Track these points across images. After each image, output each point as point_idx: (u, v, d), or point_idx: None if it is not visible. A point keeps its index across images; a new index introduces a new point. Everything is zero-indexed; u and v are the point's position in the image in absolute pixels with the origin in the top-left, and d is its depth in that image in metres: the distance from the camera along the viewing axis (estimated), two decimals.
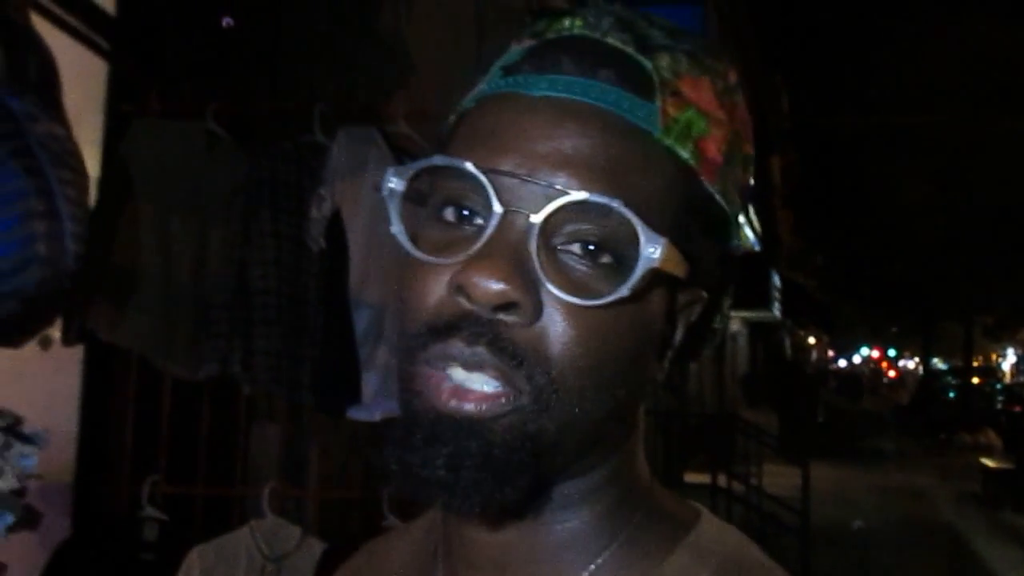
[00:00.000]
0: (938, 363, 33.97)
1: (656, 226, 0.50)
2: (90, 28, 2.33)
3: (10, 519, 0.86)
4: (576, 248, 0.50)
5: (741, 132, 0.57)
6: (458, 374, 0.50)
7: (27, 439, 0.90)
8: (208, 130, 2.40)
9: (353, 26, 2.92)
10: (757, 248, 10.66)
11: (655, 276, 0.51)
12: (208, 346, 2.23)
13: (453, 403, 0.49)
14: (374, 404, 2.28)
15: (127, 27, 2.50)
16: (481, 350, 0.49)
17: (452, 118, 0.58)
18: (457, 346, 0.49)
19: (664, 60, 0.54)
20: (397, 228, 0.52)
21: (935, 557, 7.67)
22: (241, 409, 2.62)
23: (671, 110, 0.53)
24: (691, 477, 9.54)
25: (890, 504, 10.54)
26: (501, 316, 0.49)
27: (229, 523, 2.33)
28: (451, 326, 0.50)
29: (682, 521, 0.59)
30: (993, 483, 11.03)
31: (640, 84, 0.52)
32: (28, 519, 0.90)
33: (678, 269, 0.52)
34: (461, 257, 0.49)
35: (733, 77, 0.57)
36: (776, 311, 16.80)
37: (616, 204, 0.48)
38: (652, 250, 0.49)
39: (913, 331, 32.19)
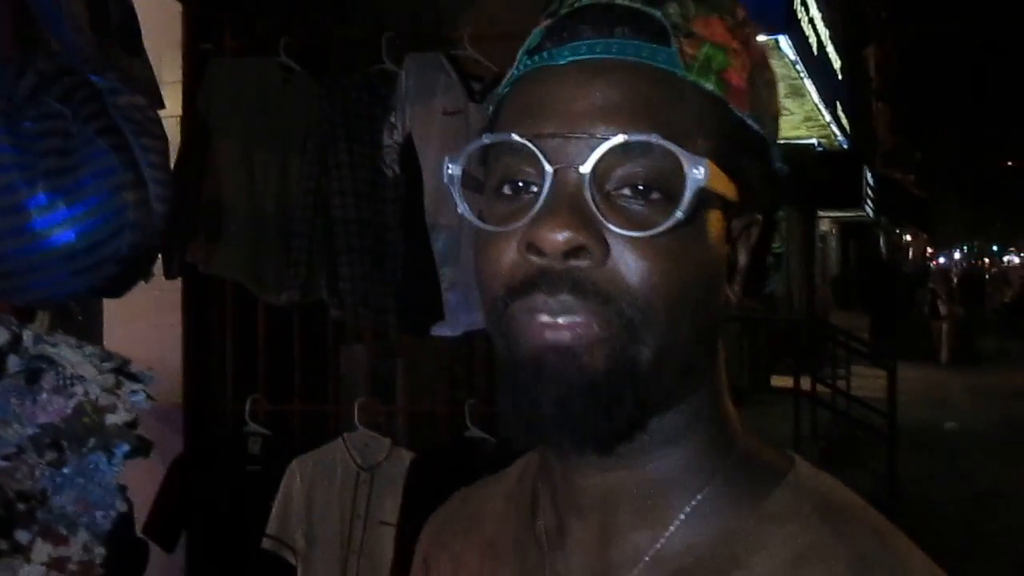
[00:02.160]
0: None
1: (697, 152, 0.53)
2: None
3: (126, 448, 0.99)
4: (627, 191, 0.53)
5: (759, 59, 0.61)
6: (549, 319, 0.53)
7: (135, 378, 1.02)
8: (282, 64, 2.47)
9: None
10: (846, 147, 10.24)
11: (707, 198, 0.54)
12: (289, 273, 2.36)
13: (550, 335, 0.52)
14: (456, 321, 2.38)
15: None
16: (565, 297, 0.52)
17: (490, 107, 0.62)
18: (540, 299, 0.52)
19: (672, 8, 0.57)
20: (463, 207, 0.57)
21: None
22: (330, 331, 2.77)
23: (689, 49, 0.56)
24: (778, 381, 9.53)
25: (987, 406, 10.29)
26: (573, 263, 0.52)
27: (324, 436, 2.48)
28: (529, 283, 0.53)
29: (778, 464, 0.61)
30: None
31: (655, 33, 0.56)
32: (142, 447, 1.02)
33: (727, 189, 0.55)
34: (524, 221, 0.53)
35: (741, 12, 0.61)
36: (869, 210, 16.24)
37: (655, 139, 0.52)
38: (697, 171, 0.52)
39: (1018, 226, 30.66)
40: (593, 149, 0.52)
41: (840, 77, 9.33)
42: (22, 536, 0.91)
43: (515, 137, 0.54)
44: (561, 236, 0.51)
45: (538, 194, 0.53)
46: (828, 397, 7.07)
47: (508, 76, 0.60)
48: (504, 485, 0.73)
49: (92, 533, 0.94)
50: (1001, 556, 5.10)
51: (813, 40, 7.22)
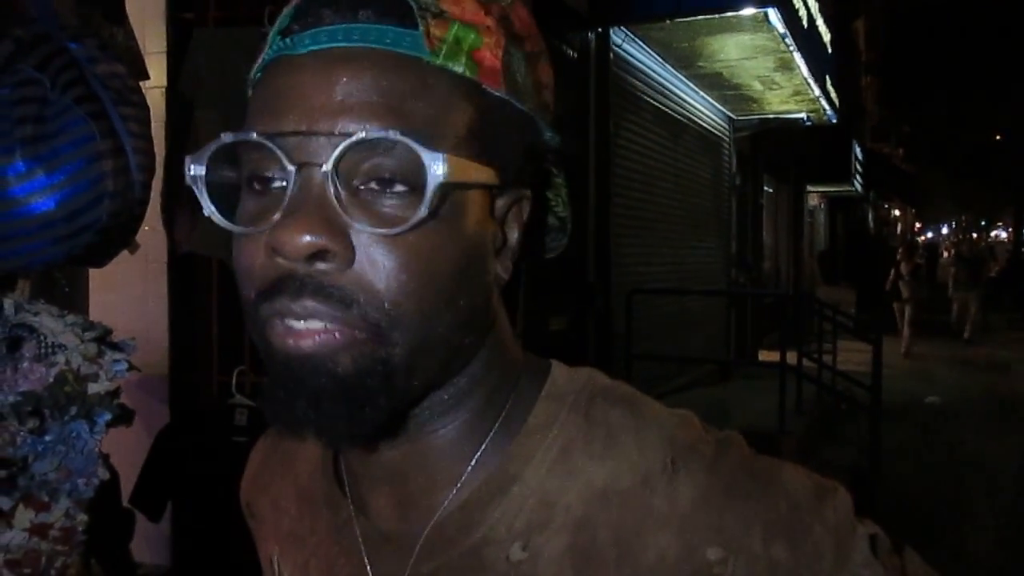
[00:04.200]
0: None
1: (444, 144, 0.52)
2: None
3: (107, 417, 0.99)
4: (374, 184, 0.52)
5: (519, 32, 0.59)
6: (293, 324, 0.52)
7: (117, 347, 1.02)
8: (265, 34, 2.45)
9: None
10: (835, 121, 10.24)
11: (453, 189, 0.53)
12: None
13: (291, 342, 0.52)
14: None
15: None
16: (308, 302, 0.51)
17: (249, 91, 0.60)
18: (284, 303, 0.52)
19: None
20: (208, 209, 0.55)
21: (1011, 431, 7.62)
22: None
23: (436, 31, 0.54)
24: (765, 356, 9.60)
25: (970, 379, 10.41)
26: (317, 266, 0.51)
27: None
28: (275, 287, 0.52)
29: (539, 381, 0.63)
30: None
31: (400, 15, 0.54)
32: (124, 416, 1.03)
33: (480, 175, 0.55)
34: (271, 222, 0.52)
35: None
36: (857, 185, 16.28)
37: (392, 134, 0.50)
38: (436, 167, 0.51)
39: (1005, 200, 30.81)
40: (335, 147, 0.51)
41: (830, 51, 9.30)
42: (3, 502, 0.92)
43: (253, 136, 0.52)
44: (302, 240, 0.50)
45: (284, 191, 0.52)
46: (814, 371, 7.12)
47: (259, 60, 0.58)
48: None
49: (74, 500, 0.95)
50: (982, 528, 5.19)
51: (803, 13, 7.19)
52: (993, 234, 40.97)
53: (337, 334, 0.52)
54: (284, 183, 0.52)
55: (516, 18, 0.59)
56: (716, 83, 8.17)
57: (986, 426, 7.88)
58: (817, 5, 8.19)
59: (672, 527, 0.56)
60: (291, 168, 0.51)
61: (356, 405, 0.53)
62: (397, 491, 0.62)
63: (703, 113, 8.79)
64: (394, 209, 0.52)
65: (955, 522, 5.22)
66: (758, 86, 8.30)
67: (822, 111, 9.49)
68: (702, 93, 8.51)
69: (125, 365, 1.02)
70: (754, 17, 6.00)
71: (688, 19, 6.08)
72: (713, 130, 9.22)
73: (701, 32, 6.43)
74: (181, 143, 2.33)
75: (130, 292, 2.30)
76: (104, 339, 1.02)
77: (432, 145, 0.51)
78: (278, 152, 0.51)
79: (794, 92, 8.56)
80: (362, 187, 0.52)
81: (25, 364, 0.95)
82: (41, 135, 0.96)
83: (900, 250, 13.80)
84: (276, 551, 0.71)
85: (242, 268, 0.55)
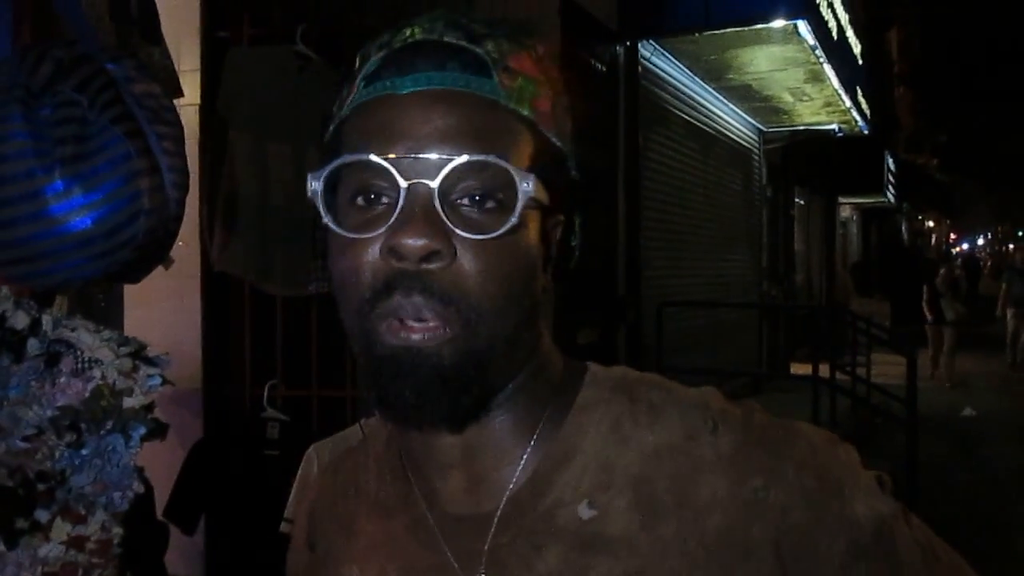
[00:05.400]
0: None
1: (521, 167, 0.64)
2: None
3: (142, 430, 1.01)
4: (467, 200, 0.63)
5: (559, 88, 0.71)
6: (405, 321, 0.62)
7: (152, 362, 1.04)
8: (298, 52, 2.48)
9: None
10: (867, 132, 10.14)
11: (531, 205, 0.65)
12: (319, 265, 2.37)
13: (403, 335, 0.62)
14: None
15: None
16: (418, 299, 0.62)
17: (332, 125, 0.70)
18: (398, 300, 0.62)
19: (490, 45, 0.67)
20: (327, 218, 0.65)
21: None
22: None
23: (506, 81, 0.66)
24: (797, 368, 9.48)
25: (1008, 392, 10.21)
26: (425, 265, 0.61)
27: (342, 422, 2.51)
28: (389, 285, 0.62)
29: (579, 372, 0.75)
30: None
31: (479, 67, 0.66)
32: (158, 430, 1.04)
33: (543, 196, 0.67)
34: (383, 229, 0.62)
35: (541, 49, 0.72)
36: (890, 196, 16.08)
37: (491, 158, 0.62)
38: (526, 185, 0.63)
39: None
40: (440, 167, 0.62)
41: (860, 62, 9.22)
42: (41, 515, 0.94)
43: (373, 158, 0.62)
44: (419, 242, 0.61)
45: (392, 205, 0.62)
46: (847, 384, 7.02)
47: (348, 100, 0.68)
48: (371, 451, 0.82)
49: (110, 513, 0.96)
50: (1021, 542, 5.07)
51: (832, 24, 7.14)
52: None
53: (440, 331, 0.62)
54: (387, 200, 0.63)
55: (555, 76, 0.72)
56: (746, 95, 8.13)
57: (1022, 438, 7.72)
58: (847, 16, 8.14)
59: (719, 469, 0.66)
60: (404, 185, 0.62)
61: (455, 392, 0.64)
62: (466, 472, 0.71)
63: (733, 125, 8.75)
64: (484, 220, 0.63)
65: (993, 535, 5.10)
66: (788, 98, 8.24)
67: (854, 122, 9.41)
68: (731, 105, 8.47)
69: (159, 379, 1.04)
70: (784, 29, 5.97)
71: (717, 32, 6.06)
72: (743, 142, 9.17)
73: (730, 44, 6.41)
74: (215, 160, 2.36)
75: (164, 307, 2.33)
76: (139, 354, 1.03)
77: (516, 167, 0.63)
78: (393, 171, 0.62)
79: (825, 103, 8.49)
80: (457, 202, 0.63)
81: (63, 379, 0.97)
82: (80, 154, 0.99)
83: (942, 271, 11.88)
84: (356, 571, 0.76)
85: (350, 269, 0.64)
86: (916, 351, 6.32)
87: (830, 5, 7.09)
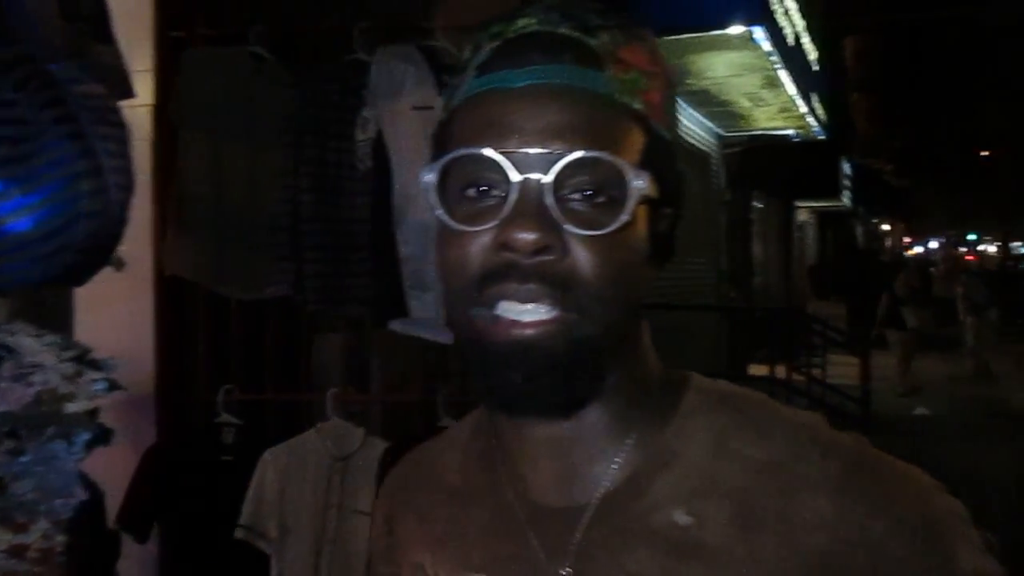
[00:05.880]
0: (1020, 247, 32.79)
1: (632, 162, 0.64)
2: None
3: (86, 436, 0.99)
4: (577, 195, 0.64)
5: (668, 80, 0.72)
6: (511, 308, 0.63)
7: (97, 366, 1.02)
8: (253, 53, 2.45)
9: None
10: (823, 137, 10.31)
11: (641, 201, 0.65)
12: (275, 268, 2.35)
13: (515, 332, 0.62)
14: (422, 321, 2.38)
15: None
16: (533, 286, 0.62)
17: (443, 115, 0.71)
18: (511, 286, 0.63)
19: (605, 37, 0.67)
20: (440, 210, 0.66)
21: (1000, 442, 7.63)
22: (305, 320, 2.77)
23: (619, 74, 0.67)
24: (755, 370, 9.60)
25: (960, 391, 10.43)
26: (539, 258, 0.62)
27: (299, 426, 2.47)
28: (501, 273, 0.63)
29: (682, 379, 0.75)
30: None
31: (593, 60, 0.66)
32: (103, 436, 1.03)
33: (653, 191, 0.66)
34: (495, 222, 0.63)
35: (652, 41, 0.72)
36: (847, 199, 16.35)
37: (605, 155, 0.63)
38: (640, 183, 0.63)
39: (995, 215, 31.00)
40: (552, 162, 0.62)
41: (817, 68, 9.37)
42: None
43: (487, 151, 0.63)
44: (531, 236, 0.61)
45: (504, 198, 0.63)
46: (803, 385, 7.13)
47: (461, 89, 0.69)
48: (457, 440, 0.83)
49: (52, 521, 0.95)
50: None
51: (789, 31, 7.26)
52: (981, 247, 41.22)
53: (554, 320, 0.63)
54: (498, 192, 0.64)
55: (665, 67, 0.72)
56: (704, 100, 8.23)
57: (974, 435, 7.90)
58: (804, 23, 8.27)
59: (825, 492, 0.65)
60: (516, 179, 0.62)
61: (565, 379, 0.64)
62: (559, 465, 0.71)
63: (691, 129, 8.84)
64: (594, 215, 0.64)
65: None
66: (746, 103, 8.35)
67: (809, 127, 9.56)
68: (690, 109, 8.56)
69: (105, 384, 1.02)
70: (741, 36, 6.06)
71: (676, 37, 6.12)
72: (701, 146, 9.27)
73: (689, 50, 6.48)
74: (168, 162, 2.33)
75: (116, 311, 2.29)
76: (83, 358, 1.02)
77: (627, 162, 0.64)
78: (506, 165, 0.62)
79: (781, 108, 8.62)
80: (569, 196, 0.64)
81: (3, 384, 0.95)
82: (18, 156, 0.97)
83: (901, 275, 11.58)
84: (428, 558, 0.77)
85: (457, 259, 0.65)
86: (869, 352, 6.44)
87: (786, 12, 7.20)
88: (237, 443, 2.42)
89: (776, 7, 6.68)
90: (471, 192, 0.65)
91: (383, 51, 2.37)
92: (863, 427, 6.18)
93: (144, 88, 2.38)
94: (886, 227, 30.29)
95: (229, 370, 2.55)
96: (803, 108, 8.55)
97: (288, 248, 2.30)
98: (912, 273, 11.94)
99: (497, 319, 0.63)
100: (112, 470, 2.28)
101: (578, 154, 0.62)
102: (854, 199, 17.79)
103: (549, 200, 0.62)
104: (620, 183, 0.63)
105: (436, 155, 0.69)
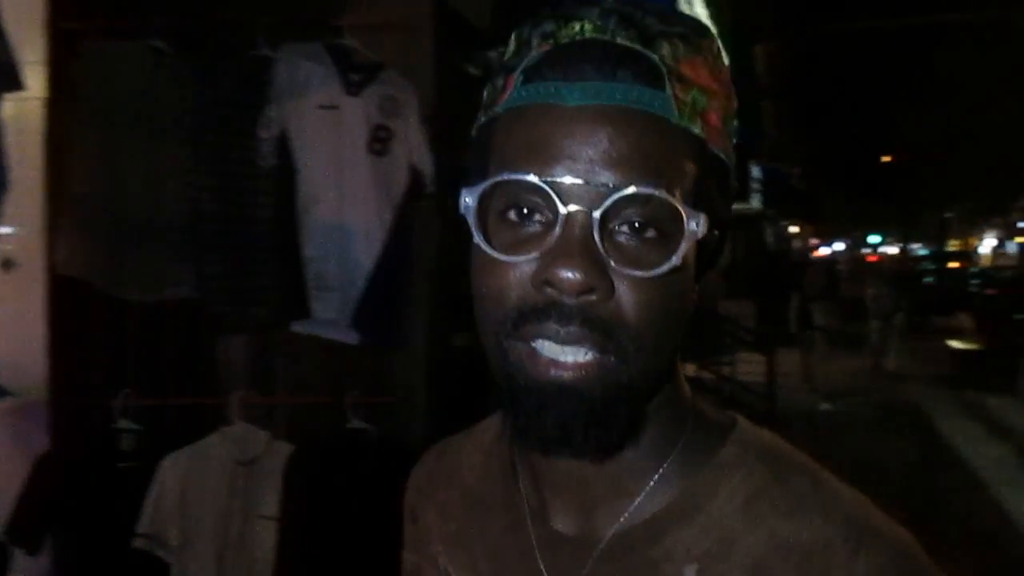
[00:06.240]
0: (918, 249, 34.35)
1: (686, 199, 0.60)
2: None
3: None
4: (626, 228, 0.60)
5: (729, 94, 0.67)
6: (550, 348, 0.59)
7: None
8: (154, 47, 2.38)
9: None
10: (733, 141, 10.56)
11: (694, 239, 0.61)
12: (177, 268, 2.28)
13: (553, 372, 0.59)
14: (326, 322, 2.35)
15: None
16: (574, 328, 0.58)
17: (483, 119, 0.67)
18: (551, 327, 0.59)
19: (665, 49, 0.62)
20: (479, 238, 0.62)
21: (898, 436, 7.98)
22: (207, 322, 2.69)
23: (680, 94, 0.62)
24: None
25: (860, 388, 10.84)
26: (583, 299, 0.58)
27: (201, 432, 2.41)
28: (541, 311, 0.59)
29: (724, 423, 0.71)
30: (961, 364, 11.29)
31: (652, 77, 0.61)
32: None
33: (705, 228, 0.61)
34: (535, 254, 0.59)
35: (715, 48, 0.67)
36: (756, 202, 16.82)
37: (659, 192, 0.58)
38: (695, 225, 0.59)
39: (896, 218, 32.37)
40: (602, 196, 0.58)
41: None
42: None
43: (533, 179, 0.58)
44: (576, 276, 0.57)
45: (548, 227, 0.59)
46: (713, 382, 7.32)
47: (505, 92, 0.64)
48: (481, 440, 0.81)
49: None
50: None
51: None
52: (882, 249, 43.04)
53: (594, 364, 0.59)
54: (541, 218, 0.60)
55: (726, 80, 0.67)
56: None
57: (875, 429, 8.24)
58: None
59: None
60: (563, 212, 0.58)
61: (601, 424, 0.60)
62: (580, 496, 0.69)
63: None
64: (642, 252, 0.60)
65: None
66: None
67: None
68: None
69: None
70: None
71: None
72: None
73: None
74: (61, 157, 2.24)
75: (4, 312, 2.19)
76: None
77: (679, 197, 0.59)
78: (553, 196, 0.58)
79: None
80: (617, 228, 0.60)
81: None
82: None
83: (808, 273, 12.01)
84: (442, 553, 0.77)
85: (495, 289, 0.61)
86: (775, 350, 6.65)
87: None
88: (136, 450, 2.35)
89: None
90: (512, 215, 0.61)
91: (288, 48, 2.33)
92: (769, 422, 6.38)
93: (36, 80, 2.28)
94: (795, 229, 31.29)
95: (127, 373, 2.47)
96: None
97: (188, 248, 2.24)
98: (819, 272, 12.43)
99: (535, 354, 0.59)
100: (1, 480, 2.18)
101: (631, 190, 0.58)
102: (764, 202, 18.31)
103: (597, 236, 0.58)
104: (673, 219, 0.59)
105: (474, 167, 0.65)
